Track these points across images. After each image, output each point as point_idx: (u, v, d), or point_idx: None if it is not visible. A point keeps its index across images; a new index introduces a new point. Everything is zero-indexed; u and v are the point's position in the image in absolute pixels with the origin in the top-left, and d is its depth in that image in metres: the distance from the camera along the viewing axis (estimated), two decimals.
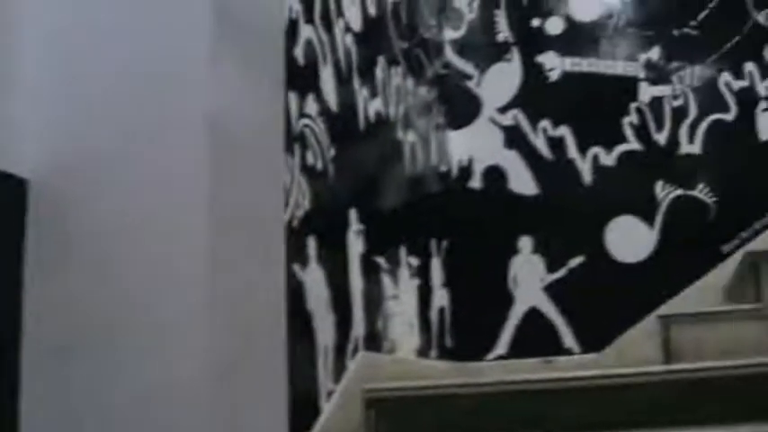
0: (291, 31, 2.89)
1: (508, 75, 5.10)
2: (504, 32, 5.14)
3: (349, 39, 3.44)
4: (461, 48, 5.18)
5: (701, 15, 4.88)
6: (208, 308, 1.61)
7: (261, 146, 1.88)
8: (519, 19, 5.14)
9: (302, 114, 2.91)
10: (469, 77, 5.12)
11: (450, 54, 5.15)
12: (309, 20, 3.07)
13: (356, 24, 3.56)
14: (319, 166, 3.02)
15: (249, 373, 1.73)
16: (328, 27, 3.22)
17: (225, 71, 1.73)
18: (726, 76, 4.83)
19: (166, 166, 1.66)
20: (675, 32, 4.90)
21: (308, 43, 3.04)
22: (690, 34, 4.89)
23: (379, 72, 3.81)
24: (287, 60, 2.68)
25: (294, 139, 2.81)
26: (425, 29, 4.75)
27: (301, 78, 2.94)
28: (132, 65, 1.72)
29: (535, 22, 5.11)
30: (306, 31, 3.02)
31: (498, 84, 5.10)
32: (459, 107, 5.07)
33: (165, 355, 1.61)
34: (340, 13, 3.37)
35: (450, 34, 5.19)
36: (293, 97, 2.83)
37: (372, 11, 3.81)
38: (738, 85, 4.81)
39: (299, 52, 2.95)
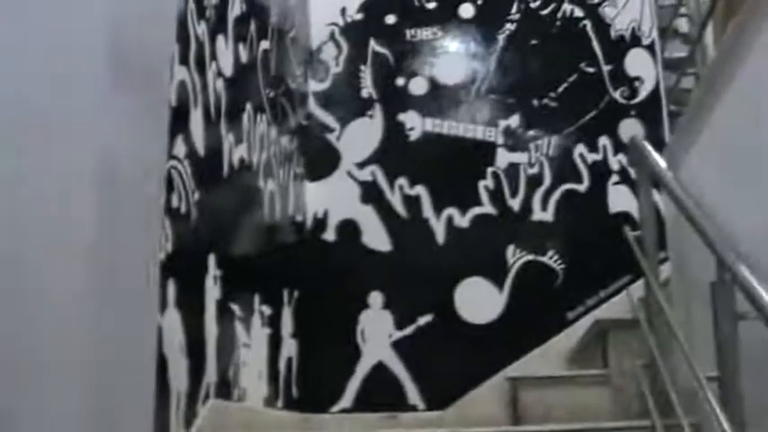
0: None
1: (369, 130, 5.17)
2: (368, 88, 5.20)
3: (220, 83, 3.41)
4: (325, 100, 5.22)
5: (561, 88, 5.06)
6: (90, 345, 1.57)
7: (145, 190, 1.85)
8: (384, 77, 5.22)
9: (171, 156, 2.86)
10: (331, 130, 5.16)
11: (313, 106, 5.18)
12: (184, 61, 3.03)
13: (228, 69, 3.54)
14: (183, 209, 2.97)
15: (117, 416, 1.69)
16: (201, 70, 3.19)
17: (116, 115, 1.70)
18: (581, 148, 5.03)
19: (54, 206, 1.62)
20: (535, 102, 5.07)
21: (182, 84, 3.00)
22: (549, 105, 5.06)
23: (245, 119, 3.79)
24: None
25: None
26: (292, 79, 4.77)
27: (172, 119, 2.90)
28: (24, 106, 1.68)
29: (399, 81, 5.20)
30: (180, 73, 2.98)
31: (359, 139, 5.16)
32: (319, 159, 5.09)
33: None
34: (214, 57, 3.34)
35: (314, 86, 5.23)
36: None
37: (244, 57, 3.80)
38: (592, 157, 5.01)
39: (172, 93, 2.92)
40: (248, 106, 3.86)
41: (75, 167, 1.65)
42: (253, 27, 3.97)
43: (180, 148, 2.97)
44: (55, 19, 1.80)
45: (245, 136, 3.76)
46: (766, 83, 2.28)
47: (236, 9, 3.69)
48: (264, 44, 4.18)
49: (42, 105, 1.70)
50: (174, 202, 2.91)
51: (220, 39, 3.44)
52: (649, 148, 3.13)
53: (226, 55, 3.54)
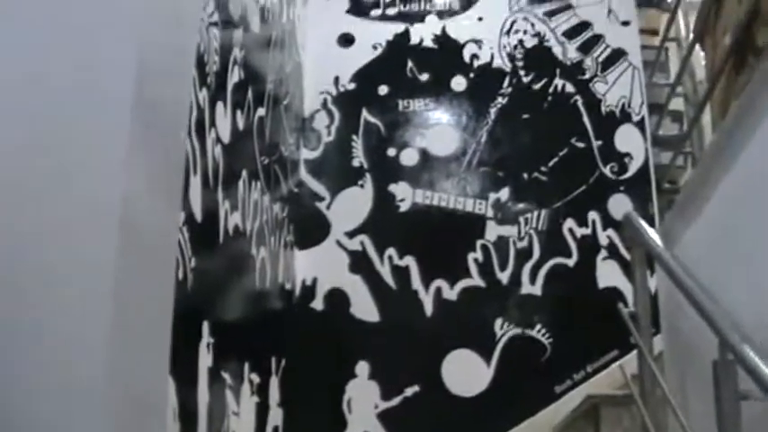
0: None
1: (359, 200, 5.18)
2: (359, 158, 5.23)
3: (218, 150, 3.42)
4: (316, 169, 5.24)
5: (551, 162, 5.11)
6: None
7: (163, 242, 1.85)
8: (375, 147, 5.26)
9: None
10: (321, 199, 5.17)
11: (304, 174, 5.20)
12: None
13: (226, 136, 3.55)
14: (180, 275, 2.96)
15: None
16: (202, 136, 3.20)
17: (137, 165, 1.71)
18: (570, 223, 5.06)
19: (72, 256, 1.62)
20: (525, 176, 5.11)
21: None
22: (539, 179, 5.10)
23: (241, 186, 3.80)
24: None
25: None
26: (285, 146, 4.78)
27: None
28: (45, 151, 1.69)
29: (391, 152, 5.24)
30: None
31: (349, 208, 5.18)
32: (309, 227, 5.09)
33: None
34: (213, 124, 3.35)
35: (306, 154, 5.25)
36: None
37: (241, 124, 3.81)
38: (581, 232, 5.04)
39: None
40: (244, 173, 3.86)
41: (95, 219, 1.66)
42: (250, 94, 3.99)
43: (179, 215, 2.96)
44: (80, 69, 1.82)
45: (240, 203, 3.76)
46: (765, 170, 2.30)
47: (235, 76, 3.71)
48: (261, 111, 4.20)
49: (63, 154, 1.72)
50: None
51: (220, 105, 3.46)
52: (645, 225, 3.15)
53: (224, 121, 3.55)
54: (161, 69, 2.16)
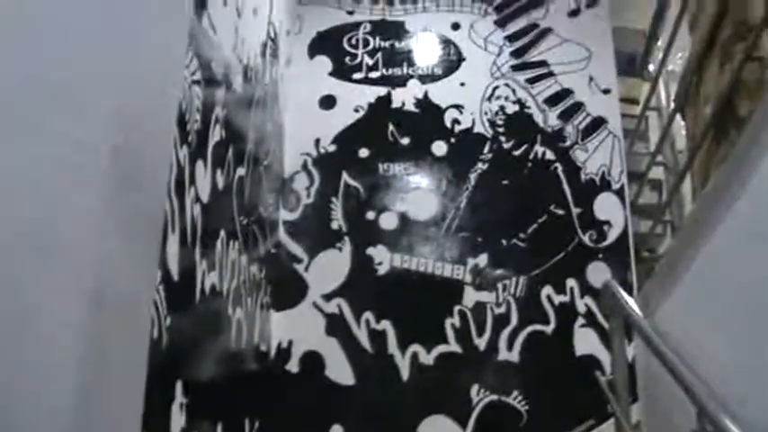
0: None
1: (337, 263, 5.16)
2: (338, 220, 5.22)
3: (197, 209, 3.40)
4: (295, 230, 5.22)
5: (530, 229, 5.11)
6: None
7: (138, 301, 1.82)
8: (354, 209, 5.24)
9: None
10: (299, 260, 5.14)
11: (283, 235, 5.18)
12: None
13: (205, 195, 3.53)
14: (155, 334, 2.92)
15: None
16: (181, 194, 3.18)
17: (114, 223, 1.69)
18: (548, 290, 5.04)
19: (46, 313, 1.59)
20: (504, 242, 5.11)
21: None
22: (518, 245, 5.10)
23: (219, 245, 3.77)
24: None
25: None
26: (264, 207, 4.76)
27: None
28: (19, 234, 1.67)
29: (370, 215, 5.22)
30: None
31: (327, 270, 5.15)
32: (286, 289, 5.06)
33: None
34: (193, 182, 3.33)
35: (285, 215, 5.23)
36: None
37: (221, 183, 3.80)
38: (559, 299, 5.02)
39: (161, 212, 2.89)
40: (222, 233, 3.84)
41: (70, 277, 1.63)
42: (230, 153, 3.98)
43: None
44: (61, 122, 1.81)
45: (217, 263, 3.73)
46: (744, 240, 2.31)
47: (216, 135, 3.70)
48: (240, 171, 4.19)
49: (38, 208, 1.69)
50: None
51: (200, 164, 3.44)
52: (623, 294, 3.14)
53: (204, 180, 3.53)
54: (141, 126, 2.14)
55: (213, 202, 3.67)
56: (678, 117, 3.53)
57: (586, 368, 4.68)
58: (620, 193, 5.22)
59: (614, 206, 5.20)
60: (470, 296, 5.05)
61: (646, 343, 2.76)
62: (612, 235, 5.14)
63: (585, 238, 5.12)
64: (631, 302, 3.05)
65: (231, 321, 4.02)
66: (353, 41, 5.75)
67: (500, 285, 5.06)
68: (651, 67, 5.09)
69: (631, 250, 5.04)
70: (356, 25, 5.80)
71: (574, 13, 5.69)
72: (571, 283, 5.04)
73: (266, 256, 4.81)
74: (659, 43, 4.39)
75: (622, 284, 4.30)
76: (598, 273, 5.00)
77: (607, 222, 5.16)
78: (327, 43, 5.77)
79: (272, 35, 4.94)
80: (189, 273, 3.33)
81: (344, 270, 5.14)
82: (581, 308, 4.99)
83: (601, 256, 5.10)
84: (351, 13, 5.84)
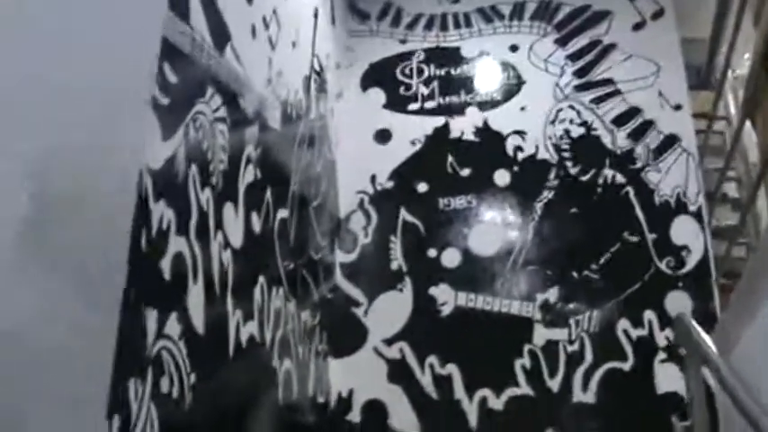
0: (163, 240, 2.61)
1: (398, 305, 4.95)
2: (398, 260, 5.00)
3: (227, 255, 3.17)
4: (352, 272, 5.01)
5: (603, 259, 4.83)
6: None
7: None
8: (414, 248, 5.03)
9: (160, 335, 2.58)
10: (358, 304, 4.94)
11: (339, 278, 4.97)
12: (183, 231, 2.79)
13: (237, 240, 3.30)
14: (175, 393, 2.67)
15: None
16: (204, 240, 2.95)
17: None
18: (624, 324, 4.73)
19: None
20: (575, 274, 4.83)
21: (178, 257, 2.74)
22: (590, 277, 4.82)
23: (257, 293, 3.53)
24: (152, 275, 2.41)
25: (147, 363, 2.48)
26: (315, 250, 4.53)
27: (164, 295, 2.63)
28: None
29: (431, 253, 5.01)
30: (177, 244, 2.73)
31: (387, 313, 4.95)
32: (344, 335, 4.85)
33: None
34: (219, 227, 3.10)
35: (342, 257, 5.03)
36: (152, 316, 2.52)
37: (257, 227, 3.56)
38: (637, 333, 4.71)
39: (165, 266, 2.65)
40: (261, 279, 3.60)
41: None
42: (269, 195, 3.75)
43: (173, 328, 2.70)
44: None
45: (256, 312, 3.49)
46: None
47: (248, 176, 3.47)
48: (283, 212, 3.96)
49: None
50: (164, 387, 2.63)
51: (228, 207, 3.21)
52: (697, 327, 2.81)
53: (235, 224, 3.30)
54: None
55: (248, 247, 3.44)
56: (748, 125, 3.19)
57: (669, 407, 4.37)
58: (697, 215, 4.87)
59: (692, 230, 4.86)
60: (541, 334, 4.78)
61: (721, 386, 2.43)
62: (692, 261, 4.80)
63: (663, 266, 4.79)
64: (706, 338, 2.72)
65: (278, 373, 3.78)
66: (407, 71, 5.54)
67: (572, 321, 4.77)
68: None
69: (713, 277, 4.71)
70: (409, 54, 5.59)
71: (638, 26, 5.39)
72: (649, 315, 4.71)
73: (321, 301, 4.59)
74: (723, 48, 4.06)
75: (706, 315, 3.98)
76: (678, 303, 4.67)
77: (685, 247, 4.82)
78: (380, 74, 5.57)
79: (318, 68, 4.73)
80: (219, 324, 3.10)
81: (406, 312, 4.92)
82: (661, 341, 4.66)
83: (680, 284, 4.76)
84: (403, 41, 5.63)
